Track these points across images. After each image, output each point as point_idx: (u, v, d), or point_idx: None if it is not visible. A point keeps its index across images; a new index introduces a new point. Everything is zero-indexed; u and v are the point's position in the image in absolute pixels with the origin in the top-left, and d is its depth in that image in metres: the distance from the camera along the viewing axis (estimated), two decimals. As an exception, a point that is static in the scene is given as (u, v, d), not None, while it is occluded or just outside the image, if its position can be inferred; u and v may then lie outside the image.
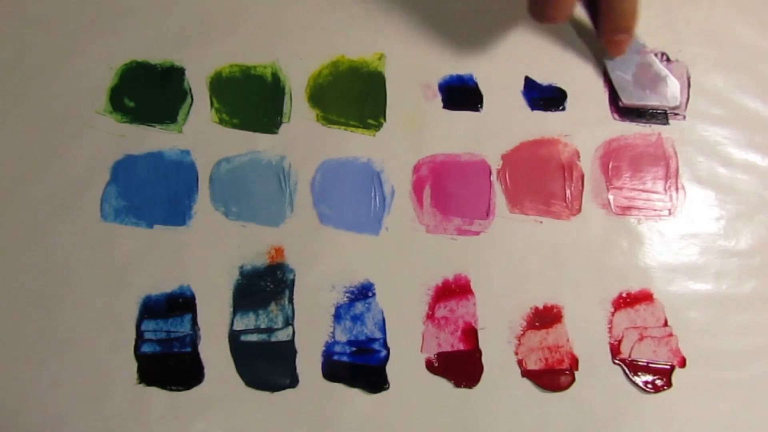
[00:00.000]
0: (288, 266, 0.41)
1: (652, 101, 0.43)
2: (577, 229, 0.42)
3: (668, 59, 0.44)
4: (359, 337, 0.40)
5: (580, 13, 0.44)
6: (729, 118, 0.44)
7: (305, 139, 0.43)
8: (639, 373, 0.40)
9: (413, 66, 0.45)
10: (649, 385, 0.39)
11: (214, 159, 0.43)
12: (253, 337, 0.40)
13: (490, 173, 0.43)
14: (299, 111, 0.44)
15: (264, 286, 0.41)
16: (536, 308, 0.41)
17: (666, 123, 0.44)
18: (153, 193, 0.42)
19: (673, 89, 0.43)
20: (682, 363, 0.40)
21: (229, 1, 0.46)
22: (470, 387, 0.40)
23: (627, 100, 0.43)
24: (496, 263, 0.41)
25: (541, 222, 0.42)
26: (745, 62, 0.45)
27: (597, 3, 0.41)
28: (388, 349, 0.40)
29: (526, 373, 0.40)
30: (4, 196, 0.42)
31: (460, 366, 0.40)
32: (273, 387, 0.40)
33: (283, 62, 0.45)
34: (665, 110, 0.44)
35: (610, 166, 0.43)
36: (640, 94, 0.43)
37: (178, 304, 0.41)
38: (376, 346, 0.40)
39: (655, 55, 0.44)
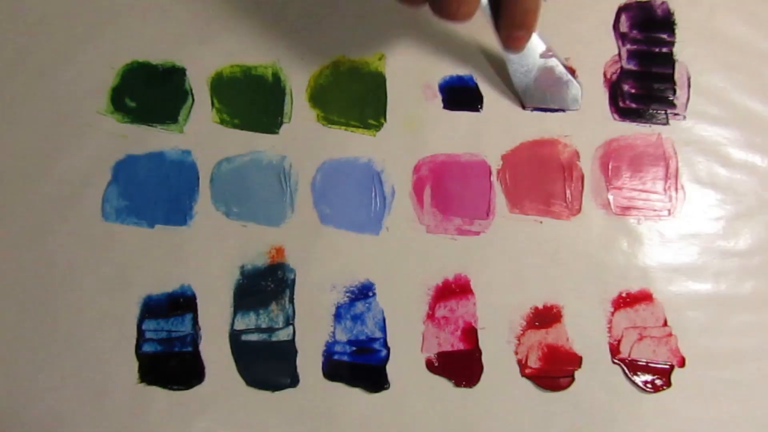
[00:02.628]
0: (289, 266, 0.41)
1: (553, 104, 0.44)
2: (577, 229, 0.42)
3: (569, 68, 0.44)
4: (360, 337, 0.40)
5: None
6: (729, 118, 0.44)
7: (306, 140, 0.43)
8: (638, 373, 0.40)
9: (413, 66, 0.45)
10: (649, 385, 0.40)
11: (215, 159, 0.43)
12: (253, 337, 0.40)
13: (490, 173, 0.43)
14: (300, 111, 0.44)
15: (265, 285, 0.41)
16: (536, 308, 0.41)
17: (666, 123, 0.44)
18: (154, 193, 0.42)
19: (574, 93, 0.43)
20: (682, 363, 0.40)
21: (230, 2, 0.46)
22: (470, 387, 0.40)
23: (528, 102, 0.44)
24: (496, 263, 0.41)
25: (541, 222, 0.42)
26: (745, 62, 0.45)
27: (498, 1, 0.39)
28: (388, 349, 0.40)
29: (526, 373, 0.40)
30: (5, 195, 0.42)
31: (460, 366, 0.40)
32: (273, 386, 0.40)
33: (283, 62, 0.45)
34: (665, 110, 0.44)
35: (609, 166, 0.43)
36: (541, 96, 0.43)
37: (179, 303, 0.41)
38: (377, 345, 0.40)
39: (558, 58, 0.43)
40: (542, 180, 0.43)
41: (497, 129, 0.44)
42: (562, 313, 0.41)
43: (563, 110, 0.44)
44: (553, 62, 0.42)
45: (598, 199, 0.43)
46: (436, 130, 0.44)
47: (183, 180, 0.43)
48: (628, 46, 0.45)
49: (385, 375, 0.40)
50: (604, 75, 0.45)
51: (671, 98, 0.44)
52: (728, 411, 0.39)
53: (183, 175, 0.43)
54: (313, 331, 0.40)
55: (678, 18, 0.46)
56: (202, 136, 0.44)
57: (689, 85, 0.45)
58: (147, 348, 0.40)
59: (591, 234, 0.42)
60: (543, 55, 0.42)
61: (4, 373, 0.40)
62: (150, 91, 0.44)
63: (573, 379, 0.40)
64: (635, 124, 0.44)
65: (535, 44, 0.41)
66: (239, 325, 0.40)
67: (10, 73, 0.44)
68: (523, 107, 0.44)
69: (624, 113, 0.44)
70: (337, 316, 0.41)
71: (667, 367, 0.40)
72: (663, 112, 0.44)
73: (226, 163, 0.43)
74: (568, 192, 0.43)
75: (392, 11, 0.46)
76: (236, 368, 0.40)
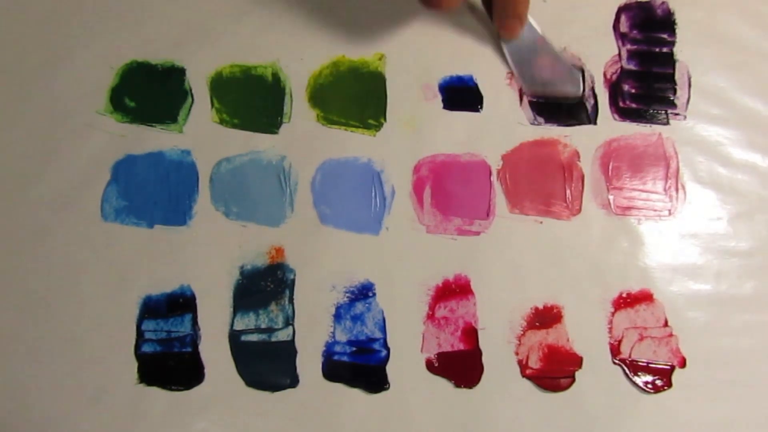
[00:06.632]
0: (288, 266, 0.41)
1: (554, 90, 0.44)
2: (577, 229, 0.42)
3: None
4: (359, 337, 0.40)
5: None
6: (729, 118, 0.44)
7: (305, 139, 0.43)
8: (639, 373, 0.40)
9: (413, 66, 0.45)
10: (649, 385, 0.39)
11: (214, 159, 0.43)
12: (253, 337, 0.40)
13: (490, 173, 0.43)
14: (300, 111, 0.44)
15: (264, 286, 0.41)
16: (536, 308, 0.41)
17: (666, 123, 0.44)
18: (153, 193, 0.42)
19: (574, 78, 0.43)
20: (682, 363, 0.40)
21: (230, 1, 0.46)
22: (470, 387, 0.40)
23: (529, 89, 0.44)
24: (497, 263, 0.41)
25: (541, 222, 0.42)
26: (746, 62, 0.45)
27: None
28: (388, 349, 0.40)
29: (527, 374, 0.40)
30: (5, 196, 0.42)
31: (460, 366, 0.40)
32: (273, 387, 0.40)
33: (283, 62, 0.45)
34: (666, 110, 0.44)
35: (610, 167, 0.43)
36: (541, 84, 0.44)
37: (179, 303, 0.41)
38: (377, 346, 0.40)
39: (555, 46, 0.43)
40: (542, 180, 0.43)
41: (497, 129, 0.44)
42: (563, 314, 0.41)
43: (566, 100, 0.44)
44: (550, 49, 0.43)
45: (599, 199, 0.43)
46: (436, 130, 0.44)
47: (182, 180, 0.43)
48: (628, 46, 0.45)
49: (385, 375, 0.40)
50: (604, 75, 0.45)
51: (672, 98, 0.44)
52: (729, 411, 0.39)
53: (182, 175, 0.43)
54: (312, 332, 0.40)
55: (678, 18, 0.46)
56: (202, 136, 0.43)
57: (690, 85, 0.45)
58: (146, 348, 0.40)
59: (591, 234, 0.42)
60: (539, 42, 0.43)
61: (4, 374, 0.40)
62: (149, 91, 0.44)
63: (573, 380, 0.40)
64: (635, 124, 0.44)
65: (532, 32, 0.43)
66: (239, 325, 0.40)
67: (10, 72, 0.44)
68: (521, 104, 0.44)
69: (624, 113, 0.44)
70: (337, 317, 0.41)
71: (668, 367, 0.40)
72: (663, 112, 0.44)
73: (226, 163, 0.43)
74: (568, 192, 0.43)
75: (392, 11, 0.45)
76: (236, 369, 0.40)
